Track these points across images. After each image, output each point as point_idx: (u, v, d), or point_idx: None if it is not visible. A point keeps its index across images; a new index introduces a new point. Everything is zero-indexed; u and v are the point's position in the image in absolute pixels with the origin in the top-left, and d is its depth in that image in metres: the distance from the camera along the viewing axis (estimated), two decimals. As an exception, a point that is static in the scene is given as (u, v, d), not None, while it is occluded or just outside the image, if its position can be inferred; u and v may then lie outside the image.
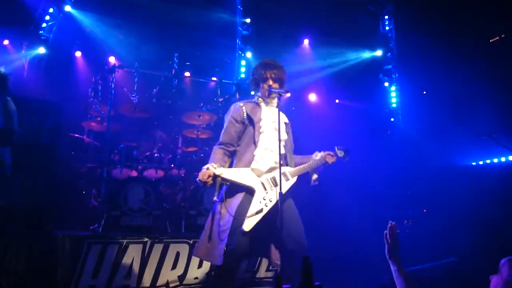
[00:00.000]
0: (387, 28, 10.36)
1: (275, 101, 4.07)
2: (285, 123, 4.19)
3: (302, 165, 4.12)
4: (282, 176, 3.78)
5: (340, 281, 5.73)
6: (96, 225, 5.67)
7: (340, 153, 4.31)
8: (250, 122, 4.04)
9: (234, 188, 3.92)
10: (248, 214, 3.75)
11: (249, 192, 3.86)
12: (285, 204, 3.86)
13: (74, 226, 5.87)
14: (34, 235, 5.49)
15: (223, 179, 3.85)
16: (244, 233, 3.70)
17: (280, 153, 3.75)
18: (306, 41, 9.95)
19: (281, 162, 3.75)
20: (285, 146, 4.07)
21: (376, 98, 10.23)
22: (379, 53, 10.34)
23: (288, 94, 6.13)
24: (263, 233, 3.84)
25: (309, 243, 3.89)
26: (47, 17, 8.07)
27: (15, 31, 7.72)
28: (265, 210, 3.79)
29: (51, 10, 8.08)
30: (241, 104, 4.14)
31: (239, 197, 3.86)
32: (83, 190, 6.47)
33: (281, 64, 4.19)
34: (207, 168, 3.80)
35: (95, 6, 8.01)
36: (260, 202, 3.82)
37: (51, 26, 8.13)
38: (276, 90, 4.00)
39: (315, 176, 4.20)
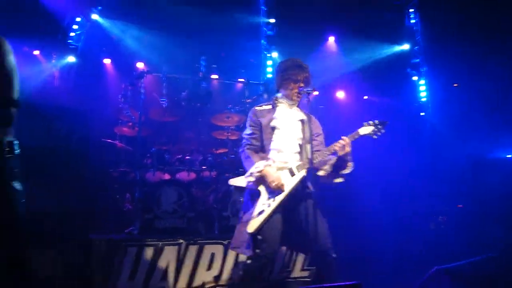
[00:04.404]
0: (412, 21, 10.22)
1: (299, 100, 4.10)
2: (302, 120, 4.16)
3: (310, 159, 3.95)
4: (287, 173, 3.85)
5: (378, 279, 5.68)
6: (131, 228, 5.76)
7: (366, 130, 3.96)
8: (261, 125, 4.08)
9: (246, 191, 4.02)
10: (252, 216, 3.80)
11: (256, 194, 3.90)
12: (301, 202, 3.87)
13: (109, 230, 5.97)
14: (70, 240, 5.61)
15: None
16: (254, 234, 3.75)
17: (291, 152, 3.84)
18: (331, 38, 9.89)
19: (294, 160, 3.82)
20: (301, 145, 4.06)
21: (405, 93, 10.10)
22: (406, 47, 10.21)
23: (316, 92, 6.12)
24: (286, 231, 3.85)
25: (344, 241, 3.87)
26: (75, 26, 8.23)
27: (45, 41, 7.89)
28: (268, 211, 3.79)
29: (78, 19, 8.24)
30: (256, 108, 4.19)
31: (248, 200, 3.96)
32: (117, 194, 6.58)
33: (306, 64, 4.18)
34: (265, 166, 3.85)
35: (121, 13, 8.12)
36: (263, 204, 3.82)
37: (79, 35, 8.28)
38: (306, 89, 4.00)
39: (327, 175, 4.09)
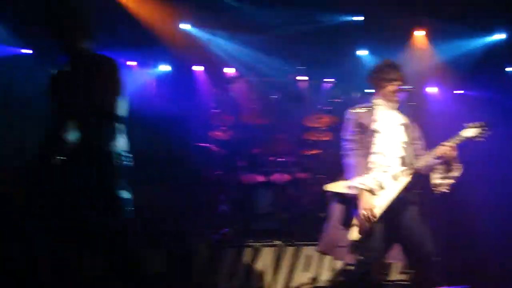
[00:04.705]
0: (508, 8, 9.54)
1: (397, 101, 3.98)
2: (404, 124, 4.02)
3: (414, 164, 3.84)
4: (391, 179, 3.71)
5: (490, 285, 5.39)
6: (227, 230, 5.89)
7: (470, 132, 3.72)
8: (363, 128, 3.94)
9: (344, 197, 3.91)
10: (354, 222, 3.70)
11: (356, 200, 3.76)
12: (404, 206, 3.74)
13: (205, 232, 6.14)
14: (172, 241, 5.86)
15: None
16: (356, 241, 3.67)
17: (394, 156, 3.71)
18: (421, 33, 9.51)
19: (397, 165, 3.71)
20: (403, 148, 3.92)
21: (503, 85, 9.48)
22: (501, 36, 9.57)
23: (414, 90, 5.90)
24: (388, 237, 3.73)
25: (452, 244, 3.71)
26: (167, 36, 8.53)
27: (141, 52, 8.26)
28: (373, 216, 3.68)
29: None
30: (354, 110, 4.09)
31: (344, 207, 3.88)
32: (213, 197, 6.77)
33: (399, 62, 4.06)
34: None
35: (210, 21, 8.31)
36: (365, 210, 3.67)
37: (171, 44, 8.57)
38: (403, 88, 3.89)
39: (436, 181, 3.88)
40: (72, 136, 2.81)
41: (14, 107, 6.83)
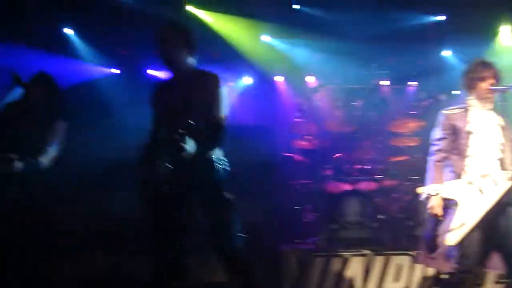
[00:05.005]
0: None
1: (491, 101, 3.80)
2: (501, 124, 3.83)
3: None
4: (491, 182, 3.55)
5: None
6: (314, 239, 5.90)
7: None
8: (455, 131, 3.82)
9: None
10: (451, 228, 3.55)
11: (454, 205, 3.63)
12: (503, 212, 3.58)
13: (291, 241, 6.18)
14: (258, 249, 5.95)
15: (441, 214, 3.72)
16: (453, 248, 3.54)
17: (491, 159, 3.59)
18: (506, 28, 8.99)
19: (496, 168, 3.57)
20: (501, 151, 3.73)
21: None
22: None
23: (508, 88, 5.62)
24: (484, 244, 3.57)
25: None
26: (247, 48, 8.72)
27: (223, 67, 8.51)
28: (469, 223, 3.51)
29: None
30: (446, 112, 3.95)
31: (445, 212, 3.70)
32: (298, 206, 6.80)
33: (491, 60, 3.91)
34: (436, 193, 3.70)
35: (290, 32, 8.39)
36: (463, 215, 3.55)
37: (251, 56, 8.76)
38: (498, 88, 3.73)
39: None
40: (190, 147, 3.01)
41: (107, 123, 7.29)
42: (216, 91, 3.29)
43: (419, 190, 3.76)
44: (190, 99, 3.24)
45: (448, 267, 3.62)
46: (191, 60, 3.43)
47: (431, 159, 3.88)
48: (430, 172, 3.82)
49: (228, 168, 3.36)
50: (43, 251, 4.37)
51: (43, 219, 4.18)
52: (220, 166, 3.30)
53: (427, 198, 3.70)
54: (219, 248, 3.34)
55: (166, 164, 3.06)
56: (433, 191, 3.68)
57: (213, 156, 3.28)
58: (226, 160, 3.37)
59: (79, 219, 6.06)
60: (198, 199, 3.28)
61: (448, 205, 3.70)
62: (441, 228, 3.74)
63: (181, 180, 3.12)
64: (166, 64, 3.40)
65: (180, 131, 2.94)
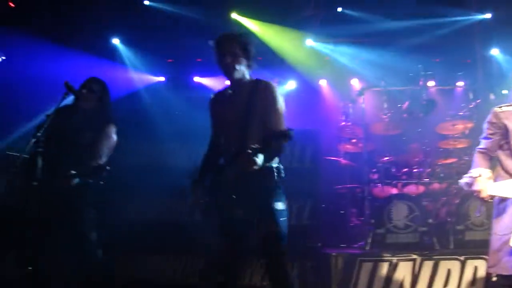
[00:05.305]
0: None
1: None
2: None
3: None
4: None
5: None
6: (361, 243, 5.89)
7: None
8: (506, 128, 3.72)
9: (499, 202, 3.61)
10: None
11: (509, 203, 3.50)
12: None
13: (337, 245, 6.19)
14: (305, 252, 5.99)
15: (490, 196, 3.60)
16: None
17: None
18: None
19: None
20: None
21: None
22: None
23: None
24: None
25: None
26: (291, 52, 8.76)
27: (268, 71, 8.59)
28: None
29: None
30: (497, 109, 3.84)
31: (503, 212, 3.55)
32: (344, 210, 6.82)
33: None
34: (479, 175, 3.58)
35: (334, 35, 8.37)
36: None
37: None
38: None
39: None
40: (260, 160, 3.03)
41: (158, 130, 7.50)
42: (275, 100, 3.33)
43: (463, 179, 3.66)
44: (250, 108, 3.30)
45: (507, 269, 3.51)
46: (248, 69, 3.47)
47: (477, 149, 3.80)
48: (475, 159, 3.71)
49: (283, 175, 3.35)
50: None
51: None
52: (276, 174, 3.29)
53: (471, 183, 3.56)
54: (268, 254, 3.34)
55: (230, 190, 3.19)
56: (476, 173, 3.59)
57: (273, 164, 3.30)
58: (282, 167, 3.37)
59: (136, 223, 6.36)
60: (255, 206, 3.27)
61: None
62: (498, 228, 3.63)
63: (241, 189, 3.19)
64: (225, 73, 3.44)
65: (253, 146, 2.94)
